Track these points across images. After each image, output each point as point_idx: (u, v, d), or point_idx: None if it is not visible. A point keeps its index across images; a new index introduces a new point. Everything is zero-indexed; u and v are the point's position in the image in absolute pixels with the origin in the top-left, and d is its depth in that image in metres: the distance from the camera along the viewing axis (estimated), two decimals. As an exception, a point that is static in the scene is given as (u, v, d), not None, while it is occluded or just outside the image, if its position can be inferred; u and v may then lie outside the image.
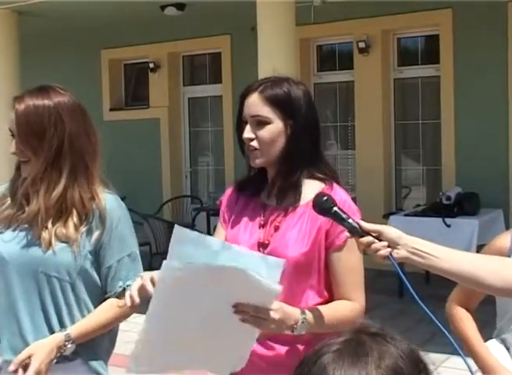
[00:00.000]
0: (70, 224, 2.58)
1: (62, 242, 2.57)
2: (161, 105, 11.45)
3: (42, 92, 2.66)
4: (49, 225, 2.58)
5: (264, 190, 2.56)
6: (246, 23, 7.94)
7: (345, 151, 10.25)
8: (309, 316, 2.27)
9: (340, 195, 2.41)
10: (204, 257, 2.08)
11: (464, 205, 7.93)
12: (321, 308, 2.35)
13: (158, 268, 2.11)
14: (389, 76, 9.60)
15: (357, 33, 9.42)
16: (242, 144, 2.52)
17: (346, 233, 2.08)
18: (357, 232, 2.04)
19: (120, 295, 2.59)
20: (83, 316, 2.62)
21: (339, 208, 2.06)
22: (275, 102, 2.42)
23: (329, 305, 2.39)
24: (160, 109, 11.42)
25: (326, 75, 10.17)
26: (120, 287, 2.64)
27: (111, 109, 11.60)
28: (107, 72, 11.91)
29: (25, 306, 2.59)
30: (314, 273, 2.41)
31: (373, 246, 2.00)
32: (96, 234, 2.62)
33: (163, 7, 9.42)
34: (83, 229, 2.60)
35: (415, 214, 8.29)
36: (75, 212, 2.59)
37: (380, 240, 2.01)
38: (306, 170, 2.47)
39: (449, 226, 7.66)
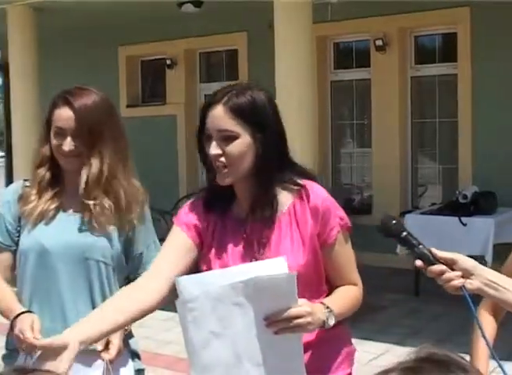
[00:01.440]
0: (114, 213, 2.71)
1: (105, 229, 2.71)
2: (177, 101, 11.48)
3: (88, 92, 2.76)
4: (97, 214, 2.69)
5: (234, 205, 2.48)
6: (263, 21, 7.95)
7: (361, 149, 10.28)
8: (331, 306, 2.28)
9: (321, 194, 2.40)
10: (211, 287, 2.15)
11: (481, 204, 7.88)
12: (336, 297, 2.38)
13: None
14: (406, 74, 9.58)
15: (374, 31, 9.43)
16: (204, 158, 2.42)
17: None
18: (428, 259, 1.93)
19: None
20: None
21: (408, 233, 1.98)
22: (241, 114, 2.30)
23: (339, 292, 2.42)
24: (176, 106, 11.47)
25: (343, 73, 10.16)
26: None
27: (127, 106, 11.62)
28: (124, 68, 12.01)
29: (70, 292, 2.71)
30: (314, 278, 2.41)
31: (446, 276, 1.91)
32: (130, 223, 2.77)
33: (180, 4, 9.39)
34: (122, 217, 2.74)
35: (431, 212, 8.27)
36: (118, 203, 2.72)
37: (452, 269, 1.92)
38: (279, 178, 2.40)
39: (465, 224, 7.61)
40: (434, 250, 1.93)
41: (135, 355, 2.90)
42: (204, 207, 2.47)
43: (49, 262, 2.70)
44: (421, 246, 1.93)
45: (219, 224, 2.46)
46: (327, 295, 2.41)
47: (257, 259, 2.37)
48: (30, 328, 2.47)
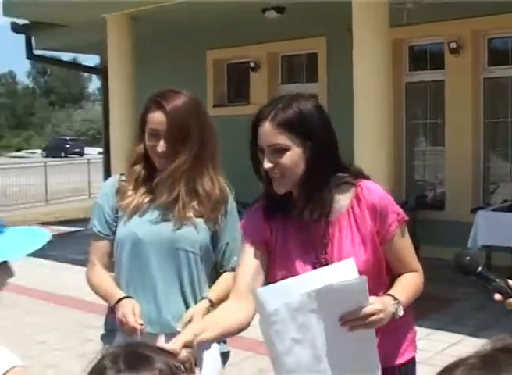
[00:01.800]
0: (202, 207, 2.79)
1: (194, 222, 2.78)
2: (260, 102, 11.45)
3: (179, 95, 2.81)
4: (186, 207, 2.77)
5: (293, 210, 2.45)
6: (341, 25, 7.94)
7: (434, 147, 10.14)
8: (399, 297, 2.30)
9: (377, 192, 2.41)
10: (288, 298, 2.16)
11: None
12: (401, 286, 2.40)
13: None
14: (479, 76, 9.43)
15: (448, 35, 9.31)
16: (257, 169, 2.44)
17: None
18: (506, 292, 1.91)
19: (234, 269, 2.70)
20: (207, 286, 2.85)
21: (484, 267, 1.95)
22: (289, 127, 2.30)
23: (403, 281, 2.43)
24: (259, 106, 11.42)
25: (418, 74, 10.02)
26: (235, 260, 2.78)
27: (214, 106, 11.72)
28: (211, 71, 12.14)
29: (161, 279, 2.78)
30: (375, 272, 2.39)
31: None
32: (219, 216, 2.85)
33: (264, 10, 9.50)
34: (209, 211, 2.81)
35: (502, 209, 8.10)
36: (206, 197, 2.80)
37: None
38: (333, 180, 2.38)
39: (535, 221, 7.46)
40: (511, 282, 1.91)
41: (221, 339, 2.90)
42: (264, 215, 2.48)
43: (142, 250, 2.79)
44: (498, 280, 1.89)
45: (281, 229, 2.47)
46: (388, 284, 2.43)
47: (319, 260, 2.40)
48: (132, 313, 2.58)
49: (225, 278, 2.86)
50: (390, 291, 2.34)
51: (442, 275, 5.97)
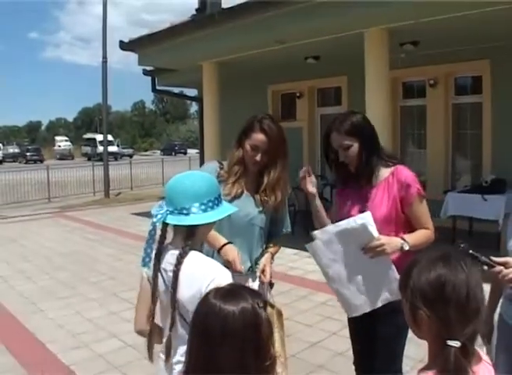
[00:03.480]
0: (273, 195, 2.69)
1: (265, 208, 2.70)
2: (303, 119, 11.65)
3: (274, 122, 2.66)
4: (264, 195, 2.69)
5: (354, 179, 2.54)
6: (357, 68, 7.75)
7: (419, 150, 9.61)
8: (406, 238, 2.33)
9: (405, 173, 2.45)
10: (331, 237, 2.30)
11: (496, 187, 7.65)
12: (412, 234, 2.38)
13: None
14: (449, 102, 9.21)
15: (428, 75, 9.22)
16: (330, 162, 2.57)
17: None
18: (489, 264, 1.80)
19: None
20: (262, 246, 2.76)
21: (473, 251, 1.74)
22: (349, 132, 2.42)
23: (415, 232, 2.41)
24: (302, 122, 11.56)
25: (408, 101, 9.86)
26: (284, 231, 2.84)
27: (272, 122, 11.78)
28: (271, 98, 12.11)
29: (246, 241, 2.67)
30: (393, 222, 2.41)
31: (503, 273, 1.80)
32: (282, 207, 2.78)
33: (306, 58, 9.55)
34: (279, 203, 2.73)
35: (464, 191, 7.93)
36: (277, 189, 2.70)
37: (506, 268, 1.81)
38: (378, 162, 2.48)
39: (486, 200, 7.42)
40: (493, 258, 1.82)
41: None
42: (342, 184, 2.62)
43: (235, 222, 2.62)
44: (483, 257, 1.78)
45: (347, 189, 2.58)
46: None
47: (363, 207, 2.44)
48: (238, 257, 2.47)
49: (280, 241, 2.84)
50: (402, 235, 2.36)
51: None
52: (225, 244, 2.54)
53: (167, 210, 1.81)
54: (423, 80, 9.52)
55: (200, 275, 1.76)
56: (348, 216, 2.43)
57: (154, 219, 1.80)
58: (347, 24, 7.09)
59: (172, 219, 1.80)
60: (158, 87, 13.31)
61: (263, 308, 1.33)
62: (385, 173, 2.49)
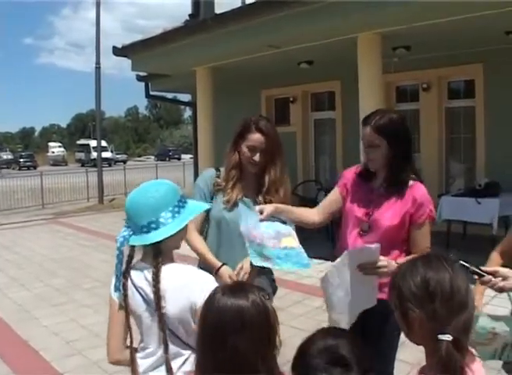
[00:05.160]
0: (277, 193, 2.66)
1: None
2: (296, 123, 11.63)
3: (268, 121, 2.64)
4: (268, 195, 2.66)
5: (373, 180, 2.48)
6: (351, 73, 7.69)
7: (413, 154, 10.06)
8: (400, 261, 2.18)
9: (422, 191, 2.39)
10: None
11: (490, 190, 7.62)
12: (407, 258, 2.23)
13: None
14: (442, 106, 9.28)
15: (421, 79, 9.25)
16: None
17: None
18: (479, 274, 1.85)
19: None
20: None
21: (464, 261, 1.75)
22: (382, 131, 2.31)
23: (411, 257, 2.25)
24: (296, 126, 11.52)
25: (402, 105, 9.76)
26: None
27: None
28: (264, 103, 12.08)
29: (240, 246, 2.48)
30: (398, 235, 2.37)
31: (492, 281, 1.85)
32: (285, 197, 2.70)
33: (299, 63, 9.53)
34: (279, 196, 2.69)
35: (457, 195, 7.95)
36: (281, 186, 2.68)
37: (495, 277, 1.86)
38: (409, 174, 2.40)
39: (479, 203, 7.38)
40: (482, 267, 1.87)
41: (270, 273, 2.90)
42: (358, 177, 2.54)
43: (229, 229, 2.62)
44: (472, 267, 1.82)
45: (361, 184, 2.51)
46: (403, 255, 2.36)
47: (369, 211, 2.39)
48: (234, 275, 2.48)
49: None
50: (397, 260, 2.27)
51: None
52: (220, 267, 2.53)
53: (130, 231, 1.78)
54: (416, 85, 9.55)
55: (183, 285, 1.75)
56: (351, 215, 2.43)
57: (118, 244, 1.77)
58: (340, 29, 7.10)
59: (135, 240, 1.78)
60: (151, 93, 13.31)
61: (268, 300, 1.44)
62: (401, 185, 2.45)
